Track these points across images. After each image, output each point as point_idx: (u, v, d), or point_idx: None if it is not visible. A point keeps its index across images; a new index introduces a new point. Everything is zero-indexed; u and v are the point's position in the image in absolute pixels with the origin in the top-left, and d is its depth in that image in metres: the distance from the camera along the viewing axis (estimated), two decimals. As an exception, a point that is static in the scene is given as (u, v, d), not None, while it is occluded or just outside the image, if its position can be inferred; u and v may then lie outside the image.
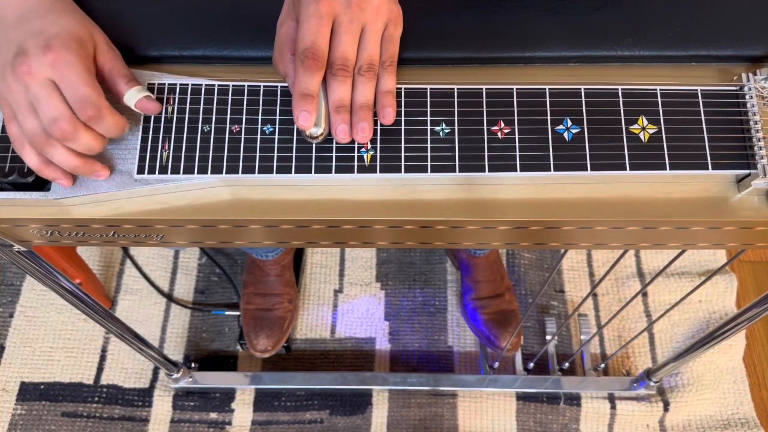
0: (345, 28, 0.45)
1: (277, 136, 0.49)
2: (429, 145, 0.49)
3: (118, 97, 0.49)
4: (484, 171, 0.48)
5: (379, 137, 0.49)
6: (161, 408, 1.19)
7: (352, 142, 0.49)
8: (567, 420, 1.17)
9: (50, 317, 1.27)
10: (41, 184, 0.50)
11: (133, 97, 0.48)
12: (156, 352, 1.01)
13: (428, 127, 0.49)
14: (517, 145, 0.49)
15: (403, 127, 0.49)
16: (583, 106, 0.49)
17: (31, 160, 0.47)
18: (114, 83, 0.49)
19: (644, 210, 0.50)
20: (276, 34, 0.48)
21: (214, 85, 0.50)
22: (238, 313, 1.25)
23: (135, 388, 1.21)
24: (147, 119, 0.50)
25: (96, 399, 1.20)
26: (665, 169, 0.48)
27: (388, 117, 0.48)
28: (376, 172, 0.48)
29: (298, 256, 1.31)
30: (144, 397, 1.21)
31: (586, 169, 0.48)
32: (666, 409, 1.17)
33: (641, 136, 0.49)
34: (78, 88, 0.45)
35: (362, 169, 0.48)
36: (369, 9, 0.45)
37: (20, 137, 0.47)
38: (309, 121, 0.45)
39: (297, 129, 0.49)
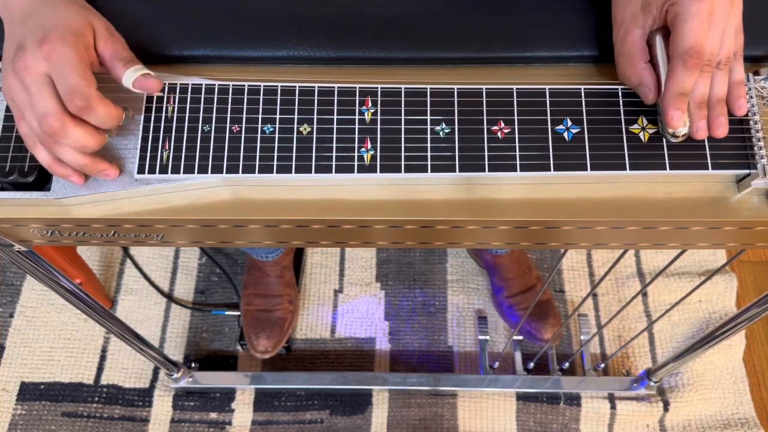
0: (717, 22, 0.44)
1: (277, 136, 0.49)
2: (429, 144, 0.49)
3: (118, 81, 0.48)
4: (484, 171, 0.48)
5: (379, 136, 0.49)
6: (161, 408, 1.19)
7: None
8: (567, 420, 1.17)
9: (50, 317, 1.27)
10: (42, 184, 0.50)
11: (130, 77, 0.47)
12: (156, 352, 1.01)
13: (428, 127, 0.49)
14: (517, 144, 0.49)
15: (403, 127, 0.49)
16: (583, 106, 0.49)
17: (42, 157, 0.47)
18: (113, 68, 0.48)
19: (644, 210, 0.50)
20: (620, 44, 0.49)
21: (214, 85, 0.50)
22: (238, 313, 1.25)
23: (135, 388, 1.21)
24: (147, 119, 0.50)
25: (96, 399, 1.20)
26: (665, 169, 0.48)
27: (743, 108, 0.48)
28: (376, 171, 0.48)
29: (298, 257, 1.31)
30: (144, 397, 1.20)
31: (586, 169, 0.48)
32: (666, 409, 1.17)
33: (641, 135, 0.49)
34: (68, 78, 0.44)
35: (362, 169, 0.48)
36: (737, 1, 0.45)
37: (31, 135, 0.46)
38: (682, 121, 0.45)
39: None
